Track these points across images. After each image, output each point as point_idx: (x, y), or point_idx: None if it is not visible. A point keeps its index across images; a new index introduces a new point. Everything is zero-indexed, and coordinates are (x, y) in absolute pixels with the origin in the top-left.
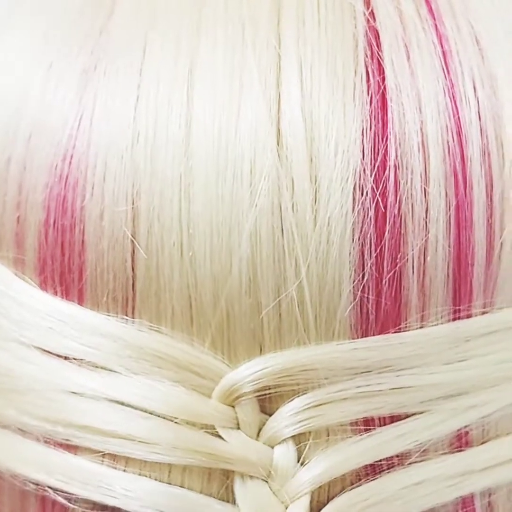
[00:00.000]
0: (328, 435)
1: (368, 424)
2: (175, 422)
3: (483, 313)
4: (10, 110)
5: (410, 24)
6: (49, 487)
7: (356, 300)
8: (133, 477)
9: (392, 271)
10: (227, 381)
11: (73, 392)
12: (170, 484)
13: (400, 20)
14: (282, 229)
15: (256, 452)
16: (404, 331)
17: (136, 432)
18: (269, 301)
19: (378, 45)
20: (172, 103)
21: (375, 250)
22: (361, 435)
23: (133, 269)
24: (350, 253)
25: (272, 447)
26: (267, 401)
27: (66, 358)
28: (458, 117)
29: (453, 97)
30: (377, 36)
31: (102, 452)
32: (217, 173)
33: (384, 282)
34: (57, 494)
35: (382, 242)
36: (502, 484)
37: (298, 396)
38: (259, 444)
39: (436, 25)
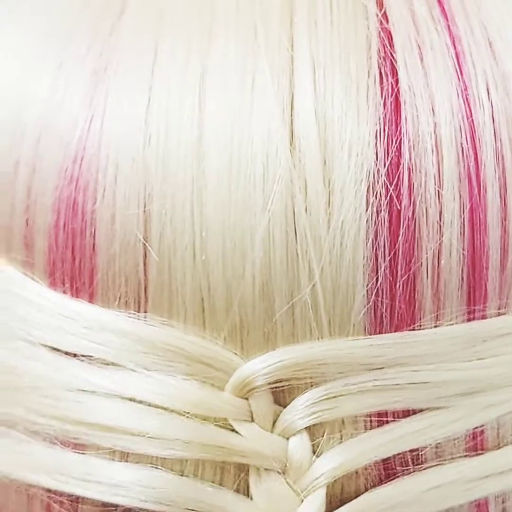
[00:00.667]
0: (343, 429)
1: (382, 418)
2: (188, 417)
3: (499, 314)
4: (16, 111)
5: (423, 25)
6: (55, 490)
7: (370, 303)
8: (145, 473)
9: (406, 275)
10: (241, 373)
11: (82, 390)
12: (183, 477)
13: (413, 21)
14: (296, 233)
15: (271, 444)
16: (419, 329)
17: (148, 428)
18: (283, 304)
19: (391, 46)
20: (183, 105)
21: (389, 254)
22: (376, 429)
23: (145, 273)
24: (363, 257)
25: (287, 439)
26: (281, 393)
27: (75, 355)
28: (472, 120)
29: (467, 99)
30: (390, 38)
31: (112, 449)
32: (229, 176)
33: (398, 285)
34: (64, 497)
35: (396, 246)
36: None
37: (313, 388)
38: (273, 436)
39: (449, 26)
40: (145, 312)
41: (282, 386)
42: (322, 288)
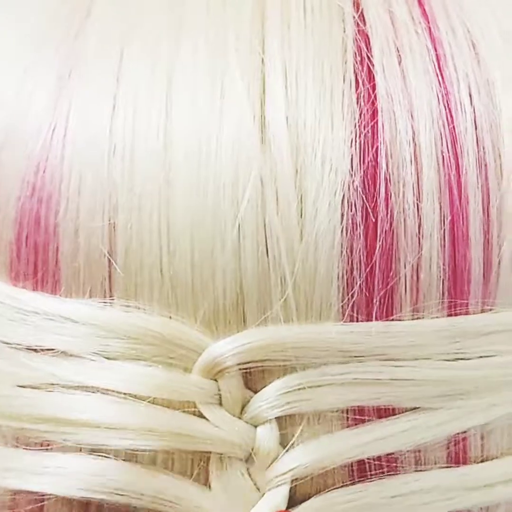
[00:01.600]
0: (318, 424)
1: (361, 416)
2: (150, 403)
3: (482, 312)
4: None
5: (402, 27)
6: (17, 490)
7: (345, 319)
8: (98, 463)
9: (384, 290)
10: (210, 353)
11: (40, 384)
12: (137, 465)
13: (391, 23)
14: (267, 244)
15: (237, 431)
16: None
17: (109, 419)
18: (255, 319)
19: (368, 50)
20: (150, 112)
21: (366, 268)
22: (352, 428)
23: (110, 289)
24: (338, 271)
25: (255, 427)
26: (254, 377)
27: (35, 350)
28: (453, 126)
29: (448, 104)
30: (367, 41)
31: (68, 444)
32: (198, 185)
33: (375, 301)
34: (28, 495)
35: (373, 260)
36: (501, 502)
37: (287, 375)
38: (241, 423)
39: (430, 28)
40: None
41: (254, 368)
42: (295, 302)
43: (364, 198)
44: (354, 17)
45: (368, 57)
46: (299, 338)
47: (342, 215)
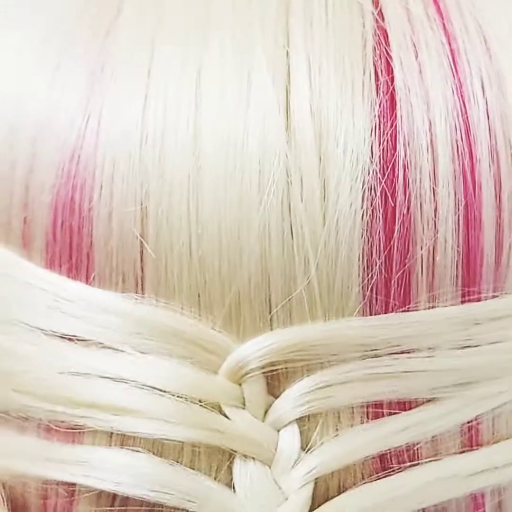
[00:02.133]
0: (338, 422)
1: (377, 411)
2: (179, 397)
3: (493, 297)
4: (14, 110)
5: (418, 23)
6: (49, 479)
7: (365, 300)
8: (124, 456)
9: (401, 271)
10: (235, 357)
11: (76, 372)
12: (168, 461)
13: (408, 19)
14: (291, 228)
15: (261, 433)
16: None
17: (138, 407)
18: (279, 300)
19: (387, 44)
20: (180, 104)
21: (384, 250)
22: (371, 422)
23: (142, 270)
24: (359, 252)
25: (278, 431)
26: (276, 382)
27: (70, 339)
28: (467, 117)
29: (462, 96)
30: (385, 36)
31: (106, 431)
32: (225, 173)
33: (393, 282)
34: (59, 486)
35: (391, 242)
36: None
37: (306, 377)
38: (264, 426)
39: (444, 24)
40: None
41: (277, 371)
42: (318, 284)
43: (384, 184)
44: (373, 13)
45: (387, 51)
46: (321, 336)
47: (363, 199)
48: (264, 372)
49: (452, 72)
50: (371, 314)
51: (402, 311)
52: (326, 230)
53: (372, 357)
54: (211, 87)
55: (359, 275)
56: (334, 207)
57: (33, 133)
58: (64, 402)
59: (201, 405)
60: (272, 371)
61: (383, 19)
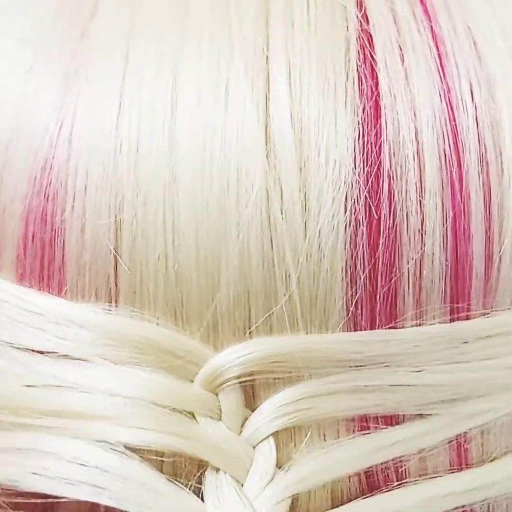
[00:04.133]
0: (319, 435)
1: (363, 425)
2: (152, 405)
3: (483, 315)
4: None
5: (405, 25)
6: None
7: (349, 315)
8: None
9: (387, 286)
10: (211, 364)
11: (46, 385)
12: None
13: (394, 21)
14: (271, 240)
15: (235, 447)
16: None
17: (110, 413)
18: (259, 315)
19: (371, 47)
20: (155, 110)
21: (369, 264)
22: (354, 437)
23: (116, 284)
24: (342, 266)
25: (254, 446)
26: (254, 394)
27: (41, 352)
28: (455, 124)
29: (450, 102)
30: (370, 39)
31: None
32: (202, 183)
33: (378, 296)
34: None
35: (376, 255)
36: (502, 498)
37: (286, 388)
38: (239, 439)
39: (431, 27)
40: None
41: (255, 381)
42: (299, 298)
43: (368, 195)
44: (357, 15)
45: (371, 55)
46: (301, 348)
47: (346, 210)
48: (241, 382)
49: (440, 77)
50: (355, 330)
51: (388, 328)
52: (308, 242)
53: (357, 370)
54: (187, 94)
55: (342, 289)
56: (315, 219)
57: (5, 139)
58: (27, 414)
59: (173, 413)
60: (250, 381)
61: (367, 22)
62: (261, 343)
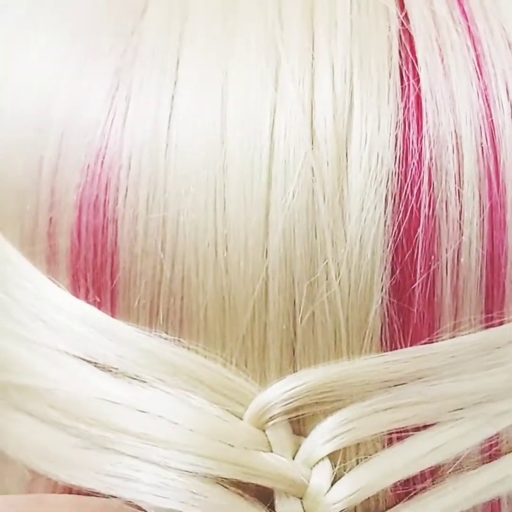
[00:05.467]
0: (362, 450)
1: (403, 434)
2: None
3: None
4: (39, 110)
5: (444, 26)
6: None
7: (389, 303)
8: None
9: (426, 274)
10: (258, 403)
11: (106, 400)
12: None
13: (434, 22)
14: (316, 231)
15: (293, 471)
16: (436, 340)
17: (175, 438)
18: (302, 301)
19: (412, 47)
20: (206, 105)
21: (408, 252)
22: (394, 448)
23: (164, 276)
24: (383, 255)
25: (311, 468)
26: (301, 422)
27: (96, 364)
28: (492, 120)
29: (487, 99)
30: (411, 39)
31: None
32: (251, 176)
33: (417, 284)
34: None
35: (416, 244)
36: None
37: (332, 415)
38: (295, 464)
39: (469, 27)
40: (167, 314)
41: (301, 414)
42: (340, 287)
43: (408, 186)
44: (398, 16)
45: (412, 54)
46: (341, 376)
47: (387, 202)
48: (289, 418)
49: (477, 75)
50: (394, 319)
51: (426, 342)
52: (350, 233)
53: (396, 388)
54: (236, 89)
55: (382, 279)
56: (358, 210)
57: (60, 132)
58: (96, 425)
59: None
60: (297, 415)
61: (408, 22)
62: (305, 376)
